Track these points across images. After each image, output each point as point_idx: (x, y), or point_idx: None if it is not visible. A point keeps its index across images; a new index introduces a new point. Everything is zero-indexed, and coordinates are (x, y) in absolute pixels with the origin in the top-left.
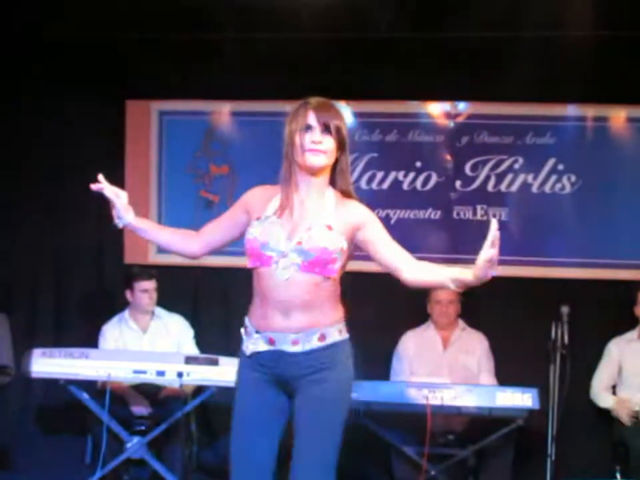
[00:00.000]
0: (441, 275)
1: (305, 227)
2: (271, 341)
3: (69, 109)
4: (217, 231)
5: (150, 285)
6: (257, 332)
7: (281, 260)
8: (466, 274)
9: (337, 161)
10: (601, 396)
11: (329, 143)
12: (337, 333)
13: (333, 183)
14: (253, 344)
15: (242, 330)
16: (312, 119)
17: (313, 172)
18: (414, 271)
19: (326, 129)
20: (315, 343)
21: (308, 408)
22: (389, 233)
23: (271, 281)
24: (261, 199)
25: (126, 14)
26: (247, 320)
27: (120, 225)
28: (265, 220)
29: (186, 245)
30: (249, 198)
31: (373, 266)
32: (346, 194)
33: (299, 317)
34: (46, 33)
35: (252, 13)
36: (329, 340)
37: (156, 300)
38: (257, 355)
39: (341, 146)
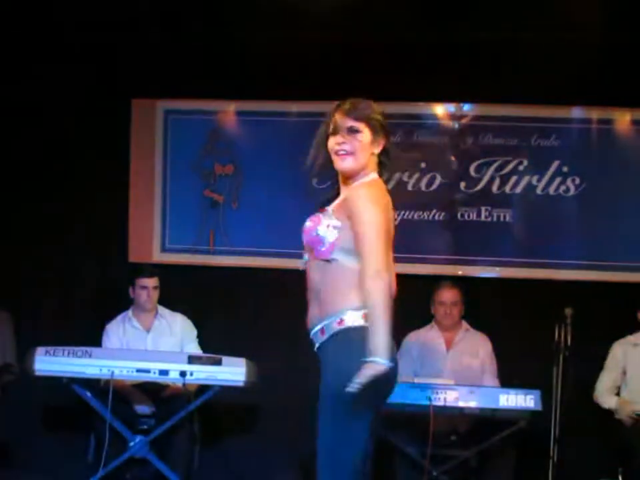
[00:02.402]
0: None
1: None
2: (313, 339)
3: (74, 108)
4: None
5: (149, 282)
6: None
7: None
8: None
9: (384, 149)
10: (605, 398)
11: (357, 140)
12: (336, 324)
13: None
14: None
15: None
16: (337, 120)
17: (345, 175)
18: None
19: (351, 128)
20: (319, 337)
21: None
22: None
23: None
24: None
25: (132, 13)
26: None
27: None
28: None
29: None
30: None
31: None
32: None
33: (312, 308)
34: (52, 31)
35: (258, 12)
36: (329, 331)
37: (157, 299)
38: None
39: (376, 135)
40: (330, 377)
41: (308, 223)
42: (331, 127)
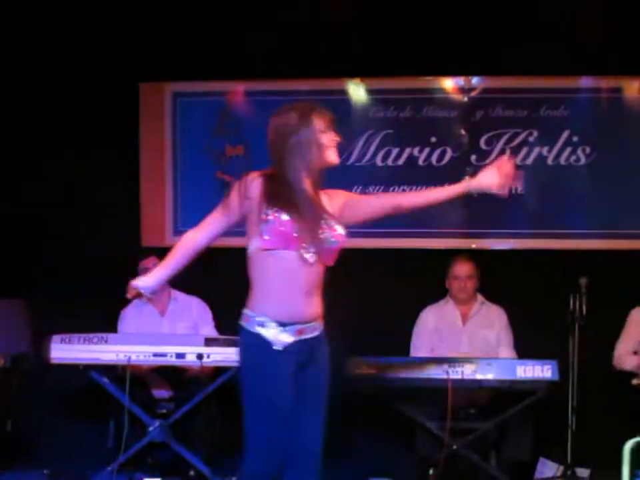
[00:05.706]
0: (448, 191)
1: (323, 218)
2: (299, 332)
3: (83, 92)
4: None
5: (147, 263)
6: (281, 324)
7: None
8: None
9: None
10: (626, 360)
11: None
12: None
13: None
14: (280, 336)
15: (251, 321)
16: (326, 120)
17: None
18: (414, 196)
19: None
20: (316, 329)
21: (316, 380)
22: None
23: (296, 265)
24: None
25: None
26: (251, 312)
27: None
28: (292, 208)
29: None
30: (251, 187)
31: (393, 242)
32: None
33: (308, 304)
34: (60, 16)
35: None
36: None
37: None
38: (286, 347)
39: None
40: (327, 364)
41: (337, 238)
42: (322, 125)
